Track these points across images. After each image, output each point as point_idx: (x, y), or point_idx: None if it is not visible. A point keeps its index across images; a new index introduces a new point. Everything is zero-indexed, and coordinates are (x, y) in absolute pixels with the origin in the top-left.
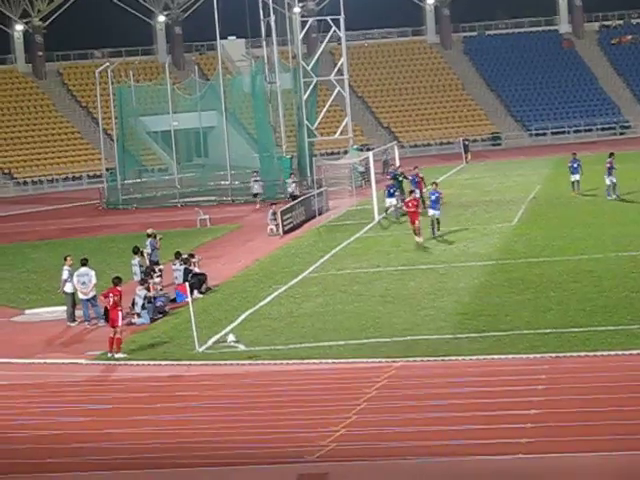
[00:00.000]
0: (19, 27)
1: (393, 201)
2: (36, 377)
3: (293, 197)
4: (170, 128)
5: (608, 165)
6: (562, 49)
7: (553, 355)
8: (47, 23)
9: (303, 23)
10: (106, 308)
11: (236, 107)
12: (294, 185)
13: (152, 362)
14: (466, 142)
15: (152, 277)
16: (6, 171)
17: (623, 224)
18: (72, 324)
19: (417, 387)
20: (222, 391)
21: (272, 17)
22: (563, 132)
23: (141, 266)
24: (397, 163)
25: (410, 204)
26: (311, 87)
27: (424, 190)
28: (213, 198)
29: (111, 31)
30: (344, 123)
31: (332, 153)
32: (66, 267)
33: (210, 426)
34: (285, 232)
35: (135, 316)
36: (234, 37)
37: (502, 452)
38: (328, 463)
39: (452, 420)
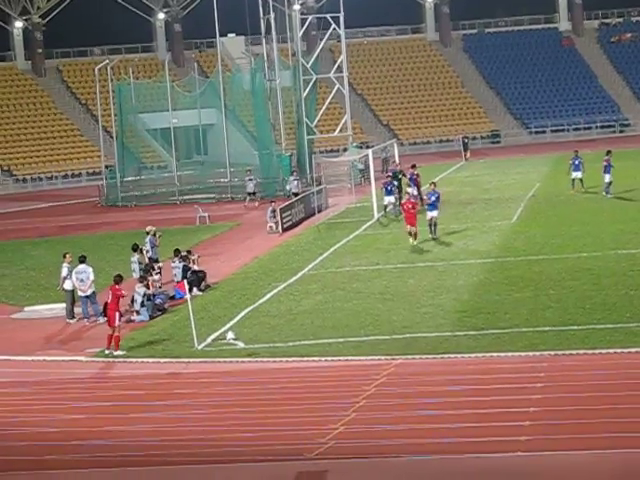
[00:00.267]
0: (18, 24)
1: (392, 199)
2: (35, 374)
3: (295, 195)
4: (169, 125)
5: (605, 163)
6: (562, 47)
7: (552, 353)
8: (46, 20)
9: (303, 21)
10: (105, 304)
11: (235, 104)
12: (296, 183)
13: (151, 359)
14: (465, 140)
15: (151, 274)
16: (5, 168)
17: (622, 222)
18: (71, 321)
19: (416, 385)
20: (221, 388)
21: (272, 14)
22: (562, 130)
23: (140, 263)
24: (397, 161)
25: (406, 206)
26: (310, 85)
27: (422, 189)
28: (212, 195)
29: (111, 28)
30: (343, 121)
31: (331, 151)
32: (65, 264)
33: (208, 423)
34: (284, 230)
35: (134, 313)
36: (234, 34)
37: (501, 450)
38: (327, 461)
39: (451, 418)
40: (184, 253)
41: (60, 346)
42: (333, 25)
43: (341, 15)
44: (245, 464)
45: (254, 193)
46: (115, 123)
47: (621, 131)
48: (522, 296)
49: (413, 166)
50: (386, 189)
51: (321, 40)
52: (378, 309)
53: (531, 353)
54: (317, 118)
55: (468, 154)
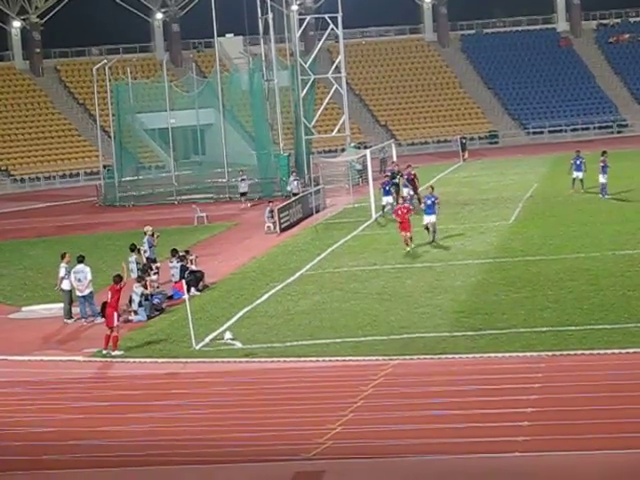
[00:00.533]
0: (17, 24)
1: (390, 199)
2: (32, 374)
3: (294, 194)
4: (167, 125)
5: (602, 164)
6: (560, 47)
7: (550, 353)
8: (45, 20)
9: (301, 21)
10: (104, 303)
11: (234, 104)
12: (296, 183)
13: (149, 359)
14: (463, 140)
15: (149, 274)
16: (3, 168)
17: (620, 223)
18: (69, 321)
19: (414, 385)
20: (218, 389)
21: (270, 14)
22: (560, 130)
23: (138, 263)
24: (395, 161)
25: (400, 211)
26: (308, 85)
27: (419, 190)
28: (210, 195)
29: (109, 28)
30: (341, 121)
31: (329, 151)
32: (63, 264)
33: (206, 423)
34: (282, 230)
35: (132, 313)
36: (232, 34)
37: (499, 450)
38: (325, 461)
39: (448, 418)
40: (182, 253)
41: (58, 346)
42: (331, 25)
43: (339, 15)
44: (242, 464)
45: (245, 193)
46: (113, 123)
47: (619, 132)
48: (520, 296)
49: (409, 166)
50: (384, 189)
51: (319, 40)
52: (376, 309)
53: (529, 353)
54: (315, 118)
55: (466, 155)
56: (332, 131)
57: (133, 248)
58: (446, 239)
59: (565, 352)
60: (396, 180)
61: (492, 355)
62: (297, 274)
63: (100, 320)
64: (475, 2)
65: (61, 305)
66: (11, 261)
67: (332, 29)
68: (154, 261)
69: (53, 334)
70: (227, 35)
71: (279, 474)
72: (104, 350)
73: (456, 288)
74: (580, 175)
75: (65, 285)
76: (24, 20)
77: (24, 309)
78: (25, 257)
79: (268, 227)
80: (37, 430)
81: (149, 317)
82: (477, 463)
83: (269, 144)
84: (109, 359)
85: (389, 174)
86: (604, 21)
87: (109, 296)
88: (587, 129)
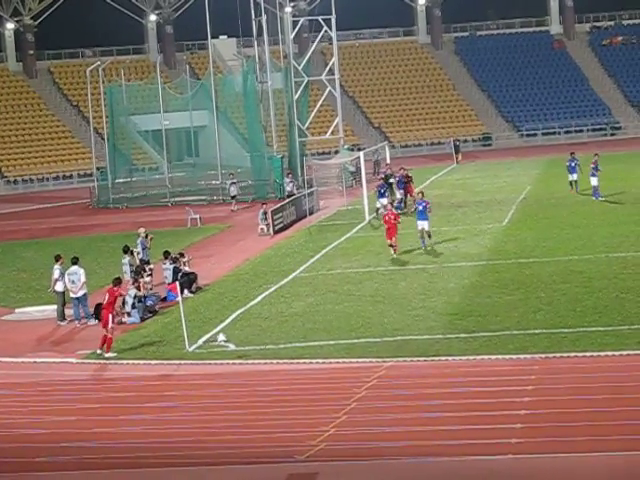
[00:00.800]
0: (10, 25)
1: (384, 201)
2: (26, 376)
3: (290, 196)
4: (161, 127)
5: (592, 165)
6: (553, 50)
7: (543, 356)
8: (38, 22)
9: (294, 23)
10: (100, 305)
11: (227, 106)
12: (292, 184)
13: (142, 361)
14: (457, 142)
15: (142, 276)
16: None
17: (613, 225)
18: (62, 323)
19: (407, 387)
20: (211, 390)
21: (263, 17)
22: (554, 133)
23: (131, 265)
24: (389, 163)
25: (388, 217)
26: (302, 87)
27: (414, 192)
28: (204, 197)
29: (102, 30)
30: (335, 123)
31: (323, 153)
32: (57, 266)
33: (199, 425)
34: (276, 232)
35: (125, 315)
36: (225, 36)
37: (492, 452)
38: (318, 463)
39: (442, 420)
40: (175, 255)
41: (51, 348)
42: (325, 27)
43: (333, 17)
44: (235, 466)
45: (235, 196)
46: (106, 125)
47: (612, 134)
48: (513, 299)
49: (402, 168)
50: (379, 192)
51: (313, 42)
52: (369, 312)
53: (522, 356)
54: (308, 120)
55: (459, 157)
56: (326, 133)
57: (126, 250)
58: (439, 241)
59: (558, 354)
60: (392, 181)
61: (485, 357)
62: (291, 276)
63: (93, 322)
64: (469, 4)
65: (54, 307)
66: (4, 263)
67: (326, 31)
68: (147, 263)
69: (46, 336)
70: (221, 37)
71: (272, 476)
72: (98, 350)
73: (449, 290)
74: (575, 177)
75: (58, 287)
76: (17, 22)
77: (17, 311)
78: (18, 259)
79: (261, 229)
80: (29, 432)
81: (142, 319)
82: (470, 465)
83: (262, 146)
84: (102, 361)
85: (383, 176)
86: (597, 24)
87: (106, 297)
88: (580, 131)
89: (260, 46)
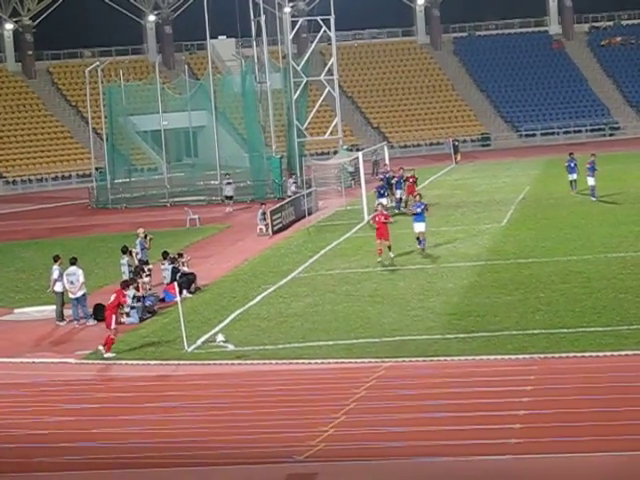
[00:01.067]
0: (9, 26)
1: (384, 201)
2: (25, 376)
3: (289, 196)
4: (160, 127)
5: (589, 165)
6: (552, 50)
7: (542, 356)
8: (37, 22)
9: (293, 23)
10: (99, 305)
11: (226, 107)
12: (295, 185)
13: (141, 362)
14: (456, 143)
15: (141, 277)
16: None
17: (612, 225)
18: (61, 323)
19: (406, 387)
20: (211, 391)
21: (262, 17)
22: (552, 133)
23: (130, 266)
24: (387, 163)
25: (378, 218)
26: (301, 87)
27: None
28: (203, 198)
29: (101, 30)
30: (334, 123)
31: (322, 153)
32: (56, 267)
33: (198, 426)
34: (274, 232)
35: (124, 315)
36: (224, 37)
37: (491, 452)
38: (317, 463)
39: (441, 420)
40: (174, 255)
41: (50, 348)
42: (324, 28)
43: (332, 18)
44: (234, 466)
45: (232, 197)
46: (105, 125)
47: (611, 134)
48: (512, 299)
49: (400, 169)
50: (379, 193)
51: (312, 43)
52: (368, 312)
53: (521, 356)
54: (307, 121)
55: (458, 157)
56: (324, 133)
57: (125, 250)
58: (438, 241)
59: (557, 354)
60: (393, 181)
61: (484, 357)
62: (289, 276)
63: (92, 322)
64: (468, 5)
65: (53, 307)
66: (3, 263)
67: (325, 31)
68: (146, 263)
69: (45, 336)
70: (219, 37)
71: (271, 476)
72: (100, 346)
73: (448, 290)
74: (574, 177)
75: (57, 287)
76: (16, 22)
77: (16, 311)
78: (17, 259)
79: (260, 229)
80: (29, 432)
81: (141, 319)
82: (469, 465)
83: (261, 146)
84: (101, 361)
85: (382, 177)
86: (596, 24)
87: (112, 298)
88: (579, 132)
89: (259, 46)
